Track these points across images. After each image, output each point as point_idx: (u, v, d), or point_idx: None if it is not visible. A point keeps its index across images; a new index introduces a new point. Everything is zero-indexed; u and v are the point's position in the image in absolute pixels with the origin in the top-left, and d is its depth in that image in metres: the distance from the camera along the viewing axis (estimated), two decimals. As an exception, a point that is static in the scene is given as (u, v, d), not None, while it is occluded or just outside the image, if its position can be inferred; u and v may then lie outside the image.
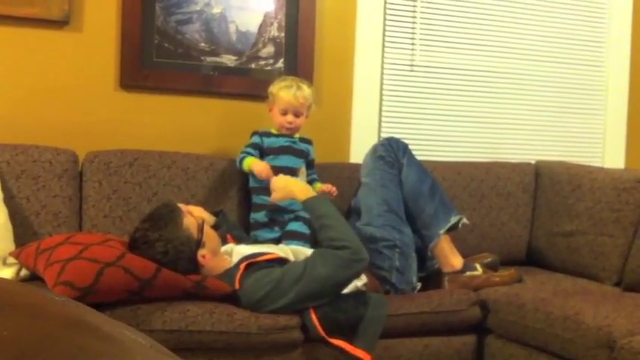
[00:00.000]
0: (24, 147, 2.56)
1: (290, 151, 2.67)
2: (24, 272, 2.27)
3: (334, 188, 2.66)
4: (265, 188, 2.60)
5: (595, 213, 2.84)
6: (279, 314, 2.15)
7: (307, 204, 2.35)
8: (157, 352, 0.58)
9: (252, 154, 2.64)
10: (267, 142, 2.67)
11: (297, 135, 2.72)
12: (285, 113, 2.65)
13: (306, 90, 2.66)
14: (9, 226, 2.39)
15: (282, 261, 2.30)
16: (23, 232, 2.46)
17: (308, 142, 2.76)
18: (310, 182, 2.71)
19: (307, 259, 2.22)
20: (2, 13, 2.68)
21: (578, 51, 3.61)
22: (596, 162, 3.58)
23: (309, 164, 2.76)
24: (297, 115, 2.65)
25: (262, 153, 2.67)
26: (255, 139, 2.69)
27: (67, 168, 2.58)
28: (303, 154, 2.71)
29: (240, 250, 2.36)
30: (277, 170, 2.59)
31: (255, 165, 2.58)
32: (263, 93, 2.75)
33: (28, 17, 2.72)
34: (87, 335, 0.54)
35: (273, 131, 2.70)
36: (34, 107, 2.77)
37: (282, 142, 2.67)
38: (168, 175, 2.69)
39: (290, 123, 2.65)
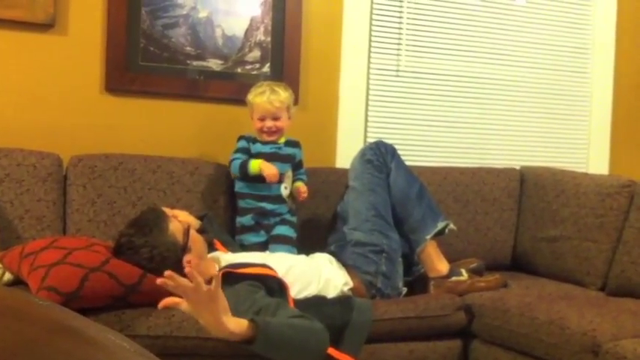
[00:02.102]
0: (8, 150, 2.54)
1: (275, 157, 2.65)
2: (8, 276, 2.25)
3: (305, 191, 2.67)
4: (255, 196, 2.61)
5: (579, 218, 2.86)
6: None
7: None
8: (142, 357, 0.57)
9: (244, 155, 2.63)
10: (254, 147, 2.66)
11: (282, 139, 2.71)
12: (263, 119, 2.63)
13: (281, 93, 2.63)
14: (-8, 231, 2.37)
15: (272, 279, 2.21)
16: (7, 236, 2.44)
17: (294, 144, 2.74)
18: (294, 182, 2.72)
19: (294, 311, 2.02)
20: (-14, 16, 2.67)
21: (563, 58, 3.64)
22: (580, 168, 3.60)
23: (296, 166, 2.74)
24: (275, 119, 2.63)
25: (250, 156, 2.66)
26: (243, 144, 2.67)
27: (52, 172, 2.57)
28: (289, 159, 2.69)
29: (226, 258, 2.34)
30: (263, 177, 2.60)
31: (266, 168, 2.57)
32: (249, 97, 2.74)
33: (13, 20, 2.70)
34: (71, 340, 0.54)
35: (259, 137, 2.70)
36: (18, 110, 2.75)
37: (267, 149, 2.66)
38: (154, 180, 2.68)
39: (269, 128, 2.63)
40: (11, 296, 0.60)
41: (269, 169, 2.57)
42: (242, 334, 1.79)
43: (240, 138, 2.70)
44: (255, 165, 2.58)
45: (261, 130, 2.65)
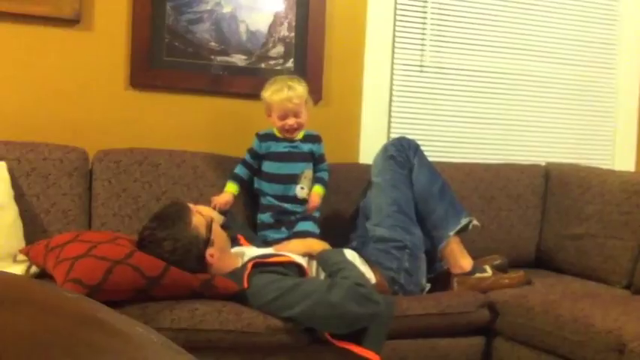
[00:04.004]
0: (34, 145, 2.57)
1: (289, 157, 2.62)
2: (33, 269, 2.28)
3: (315, 206, 2.62)
4: (274, 196, 2.61)
5: (605, 215, 2.83)
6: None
7: (322, 253, 2.36)
8: (169, 350, 0.58)
9: (238, 176, 2.64)
10: (266, 146, 2.63)
11: (300, 134, 2.66)
12: (284, 118, 2.58)
13: (298, 88, 2.58)
14: (19, 224, 2.40)
15: (294, 266, 2.28)
16: (33, 229, 2.46)
17: (313, 139, 2.68)
18: (314, 184, 2.67)
19: (325, 282, 2.18)
20: (13, 11, 2.69)
21: (589, 52, 3.60)
22: (606, 164, 3.56)
23: (317, 160, 2.69)
24: (296, 116, 2.59)
25: (260, 158, 2.65)
26: (254, 145, 2.66)
27: (77, 166, 2.59)
28: (305, 157, 2.65)
29: (250, 253, 2.36)
30: (277, 177, 2.60)
31: (217, 197, 2.60)
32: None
33: (39, 15, 2.73)
34: (99, 331, 0.54)
35: (276, 133, 2.65)
36: (44, 105, 2.78)
37: (281, 147, 2.63)
38: (178, 174, 2.69)
39: (291, 126, 2.58)
40: (41, 288, 0.61)
41: (215, 199, 2.58)
42: None
43: (256, 136, 2.67)
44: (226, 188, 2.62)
45: (283, 129, 2.61)
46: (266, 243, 2.57)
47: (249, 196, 2.75)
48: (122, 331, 0.57)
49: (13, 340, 0.49)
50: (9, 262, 2.30)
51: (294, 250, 2.40)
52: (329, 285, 2.12)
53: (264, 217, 2.64)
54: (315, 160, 2.69)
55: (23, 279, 0.68)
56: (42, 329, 0.53)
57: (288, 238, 2.58)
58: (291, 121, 2.58)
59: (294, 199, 2.62)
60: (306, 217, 2.64)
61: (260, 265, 2.22)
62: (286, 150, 2.63)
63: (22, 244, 2.37)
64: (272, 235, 2.61)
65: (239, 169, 2.66)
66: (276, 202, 2.61)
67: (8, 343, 0.49)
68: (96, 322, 0.58)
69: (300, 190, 2.62)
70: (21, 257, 2.32)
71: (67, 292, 0.64)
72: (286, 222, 2.62)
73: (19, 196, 2.46)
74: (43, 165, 2.54)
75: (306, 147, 2.66)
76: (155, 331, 0.61)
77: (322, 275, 2.33)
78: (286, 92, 2.56)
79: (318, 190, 2.65)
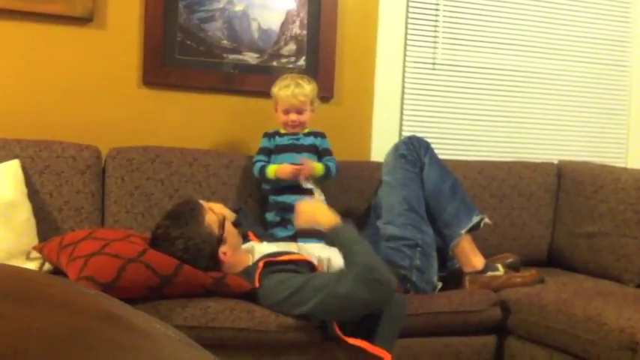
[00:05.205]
0: (47, 143, 2.58)
1: (289, 148, 2.66)
2: (47, 267, 2.29)
3: (302, 165, 2.58)
4: (275, 189, 2.63)
5: (618, 214, 2.82)
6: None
7: (332, 233, 2.33)
8: (186, 346, 0.58)
9: (267, 162, 2.65)
10: (274, 142, 2.69)
11: (305, 130, 2.71)
12: (287, 112, 2.65)
13: (305, 87, 2.65)
14: (32, 221, 2.41)
15: (305, 263, 2.28)
16: (46, 227, 2.48)
17: (316, 135, 2.73)
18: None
19: (334, 274, 2.18)
20: (26, 10, 2.71)
21: (601, 50, 3.58)
22: (619, 162, 3.54)
23: (322, 154, 2.71)
24: (299, 112, 2.65)
25: (271, 154, 2.68)
26: (265, 143, 2.70)
27: (90, 164, 2.60)
28: (306, 149, 2.68)
29: (261, 249, 2.36)
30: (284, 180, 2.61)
31: (280, 171, 2.58)
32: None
33: (52, 14, 2.74)
34: (117, 327, 0.55)
35: (281, 130, 2.71)
36: (57, 104, 2.79)
37: (285, 140, 2.68)
38: (190, 172, 2.70)
39: (293, 121, 2.65)
40: (58, 285, 0.61)
41: (282, 171, 2.58)
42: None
43: (264, 135, 2.72)
44: (271, 172, 2.60)
45: (285, 123, 2.68)
46: (275, 240, 2.57)
47: (262, 193, 2.76)
48: (140, 327, 0.57)
49: (31, 336, 0.50)
50: (22, 260, 2.32)
51: (301, 223, 2.41)
52: (338, 276, 2.11)
53: (270, 215, 2.66)
54: (320, 153, 2.71)
55: (40, 275, 0.68)
56: (59, 325, 0.53)
57: (295, 235, 2.57)
58: (293, 117, 2.65)
59: (296, 190, 2.61)
60: None
61: (271, 264, 2.22)
62: (289, 142, 2.68)
63: (35, 241, 2.39)
64: (279, 233, 2.62)
65: (262, 160, 2.66)
66: (277, 198, 2.63)
67: (26, 339, 0.49)
68: (113, 317, 0.58)
69: (304, 180, 2.62)
70: (34, 254, 2.34)
71: (84, 288, 0.64)
72: (292, 220, 2.62)
73: (33, 194, 2.47)
74: (57, 163, 2.55)
75: (309, 140, 2.71)
76: (172, 327, 0.61)
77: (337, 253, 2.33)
78: (293, 89, 2.63)
79: (317, 164, 2.65)
